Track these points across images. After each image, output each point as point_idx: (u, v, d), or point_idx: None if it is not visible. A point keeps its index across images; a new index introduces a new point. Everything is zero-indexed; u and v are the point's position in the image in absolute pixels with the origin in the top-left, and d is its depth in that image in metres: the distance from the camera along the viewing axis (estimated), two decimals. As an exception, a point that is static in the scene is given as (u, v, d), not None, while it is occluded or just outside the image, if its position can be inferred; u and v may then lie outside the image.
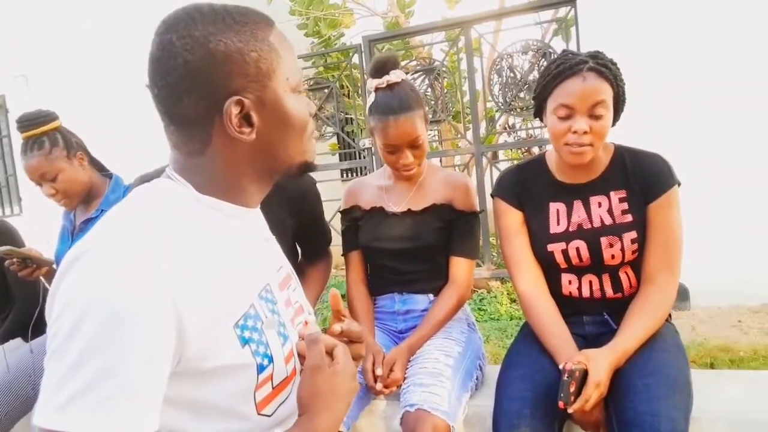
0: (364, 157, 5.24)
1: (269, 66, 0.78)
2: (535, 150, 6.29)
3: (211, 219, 0.80)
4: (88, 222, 1.98)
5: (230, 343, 0.75)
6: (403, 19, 5.31)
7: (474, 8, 5.02)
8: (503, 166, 5.89)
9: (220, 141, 0.79)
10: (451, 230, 1.65)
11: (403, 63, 5.41)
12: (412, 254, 1.64)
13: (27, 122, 1.88)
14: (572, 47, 4.22)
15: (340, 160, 5.95)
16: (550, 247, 1.44)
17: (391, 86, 1.54)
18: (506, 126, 5.77)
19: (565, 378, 1.20)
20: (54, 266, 1.95)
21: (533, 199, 1.49)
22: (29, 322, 2.01)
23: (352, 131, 5.76)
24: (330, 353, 0.84)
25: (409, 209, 1.66)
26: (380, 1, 5.70)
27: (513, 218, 1.49)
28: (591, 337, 1.47)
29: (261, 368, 0.78)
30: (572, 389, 1.20)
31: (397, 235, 1.65)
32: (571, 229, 1.43)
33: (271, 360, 0.80)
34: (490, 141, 5.08)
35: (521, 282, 1.46)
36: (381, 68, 1.55)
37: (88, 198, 2.00)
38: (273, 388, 0.81)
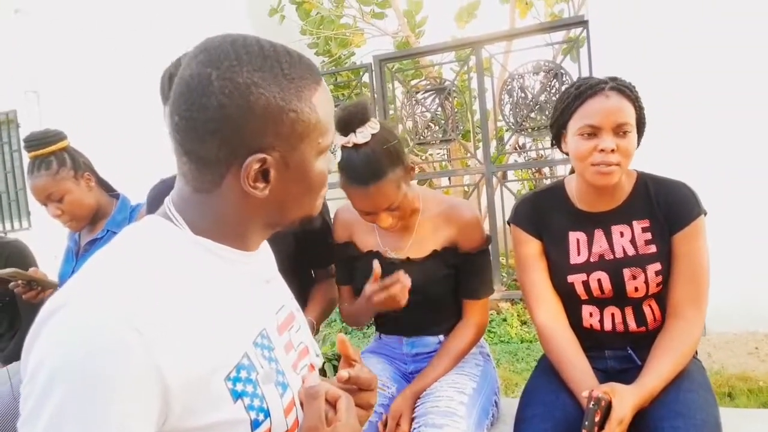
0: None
1: (305, 129, 0.72)
2: (546, 170, 6.24)
3: (204, 264, 0.74)
4: (93, 243, 1.94)
5: (221, 399, 0.69)
6: (414, 39, 5.31)
7: (484, 28, 5.00)
8: (513, 186, 5.85)
9: (230, 186, 0.73)
10: (459, 272, 1.49)
11: (413, 82, 5.40)
12: (416, 305, 1.43)
13: (35, 141, 1.85)
14: (584, 67, 4.20)
15: (349, 178, 5.93)
16: (571, 278, 1.38)
17: (357, 146, 1.30)
18: (516, 146, 5.73)
19: (591, 406, 1.14)
20: (58, 288, 1.91)
21: (552, 228, 1.42)
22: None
23: (361, 149, 5.74)
24: (333, 405, 0.77)
25: (408, 257, 1.48)
26: (391, 21, 5.70)
27: (531, 248, 1.43)
28: (613, 373, 1.40)
29: (256, 424, 0.72)
30: (597, 419, 1.14)
31: None
32: (592, 260, 1.38)
33: (267, 414, 0.73)
34: (501, 161, 5.04)
35: (540, 314, 1.40)
36: (347, 125, 1.30)
37: (94, 218, 1.97)
38: None
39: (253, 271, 0.82)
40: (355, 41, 5.39)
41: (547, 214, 1.44)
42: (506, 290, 4.45)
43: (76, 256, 1.97)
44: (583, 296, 1.38)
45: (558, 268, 1.40)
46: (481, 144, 4.56)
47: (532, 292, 1.42)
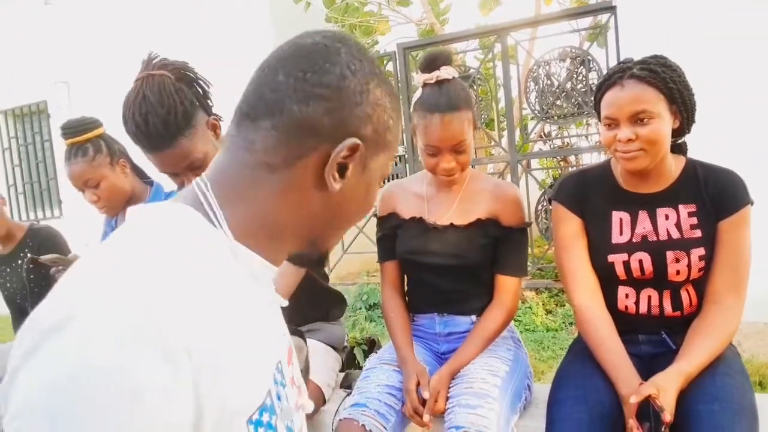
0: (397, 164, 5.21)
1: (392, 140, 0.71)
2: (572, 159, 6.18)
3: (237, 278, 0.62)
4: (130, 228, 1.98)
5: None
6: (439, 27, 5.28)
7: (508, 15, 4.95)
8: (538, 175, 5.81)
9: (304, 168, 0.65)
10: (497, 246, 1.53)
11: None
12: (454, 272, 1.53)
13: (71, 129, 1.89)
14: (611, 53, 4.13)
15: (372, 166, 5.94)
16: (611, 257, 1.37)
17: (440, 82, 1.42)
18: (542, 134, 5.68)
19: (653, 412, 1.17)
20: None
21: (595, 206, 1.42)
22: None
23: (385, 138, 5.74)
24: None
25: (451, 223, 1.54)
26: (415, 8, 5.67)
27: (572, 226, 1.43)
28: (647, 357, 1.40)
29: None
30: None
31: (439, 251, 1.53)
32: (634, 240, 1.37)
33: None
34: (525, 149, 5.01)
35: (578, 294, 1.40)
36: (432, 63, 1.43)
37: (129, 205, 2.01)
38: None
39: (269, 291, 0.72)
40: (379, 29, 5.38)
41: (590, 192, 1.43)
42: (531, 279, 4.43)
43: (113, 241, 2.01)
44: (622, 276, 1.38)
45: (598, 247, 1.40)
46: (505, 132, 4.53)
47: (571, 272, 1.41)
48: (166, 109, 1.32)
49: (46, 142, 6.16)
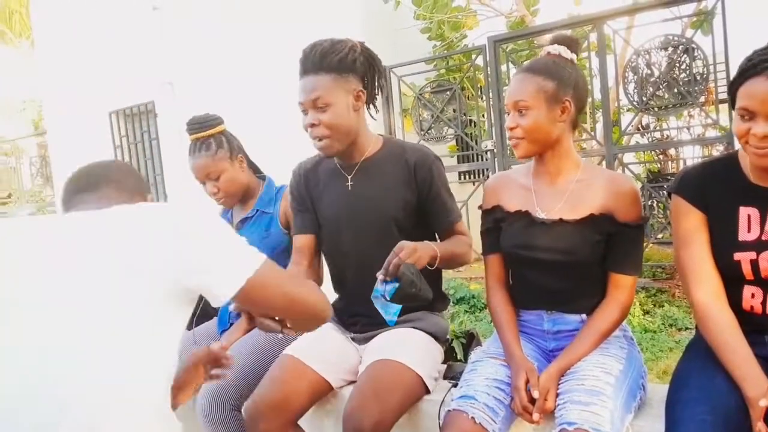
0: (486, 159, 5.17)
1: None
2: (672, 152, 5.88)
3: None
4: (245, 221, 2.11)
5: None
6: (530, 18, 5.18)
7: (601, 5, 4.78)
8: (635, 169, 5.56)
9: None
10: (611, 243, 1.48)
11: (527, 62, 5.26)
12: (563, 269, 1.49)
13: (196, 125, 2.04)
14: (718, 41, 3.90)
15: (458, 162, 5.93)
16: (738, 255, 1.31)
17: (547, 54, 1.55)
18: (639, 126, 5.45)
19: None
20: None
21: (720, 201, 1.35)
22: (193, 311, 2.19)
23: (473, 133, 5.71)
24: None
25: (561, 218, 1.50)
26: (505, 0, 5.60)
27: (693, 220, 1.37)
28: (774, 360, 1.33)
29: None
30: None
31: (547, 246, 1.50)
32: (764, 238, 1.29)
33: None
34: (620, 143, 4.83)
35: (699, 292, 1.34)
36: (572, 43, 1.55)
37: (244, 198, 2.14)
38: None
39: None
40: (468, 23, 5.36)
41: (715, 185, 1.37)
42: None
43: (229, 233, 2.15)
44: (749, 276, 1.31)
45: (723, 245, 1.34)
46: (599, 125, 4.39)
47: (691, 268, 1.36)
48: None
49: (153, 140, 6.60)
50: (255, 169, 2.19)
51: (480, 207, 1.69)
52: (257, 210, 2.10)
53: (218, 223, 1.04)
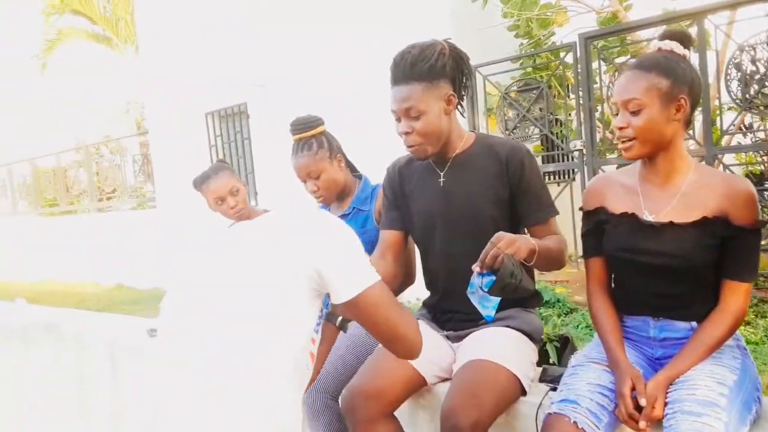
0: (573, 159, 5.04)
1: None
2: (779, 153, 5.47)
3: None
4: (342, 218, 2.19)
5: None
6: (623, 14, 5.00)
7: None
8: (736, 171, 5.23)
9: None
10: (725, 248, 1.43)
11: (618, 60, 5.10)
12: (672, 274, 1.45)
13: (300, 126, 2.15)
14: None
15: (543, 162, 5.80)
16: None
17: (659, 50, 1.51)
18: (742, 126, 5.13)
19: None
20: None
21: None
22: None
23: (560, 132, 5.58)
24: None
25: (671, 221, 1.46)
26: (596, -4, 5.42)
27: None
28: None
29: None
30: None
31: (655, 250, 1.46)
32: None
33: None
34: (720, 143, 4.56)
35: None
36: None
37: (341, 196, 2.23)
38: None
39: None
40: (557, 20, 5.24)
41: None
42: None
43: (327, 230, 2.24)
44: None
45: None
46: (697, 123, 4.17)
47: None
48: None
49: (245, 140, 6.91)
50: (352, 168, 2.27)
51: (581, 208, 1.65)
52: (354, 208, 2.18)
53: (355, 236, 1.27)
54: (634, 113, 1.42)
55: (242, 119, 6.89)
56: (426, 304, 1.96)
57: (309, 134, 2.13)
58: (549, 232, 1.73)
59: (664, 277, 1.47)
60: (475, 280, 1.46)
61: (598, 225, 1.58)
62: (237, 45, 6.62)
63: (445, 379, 1.82)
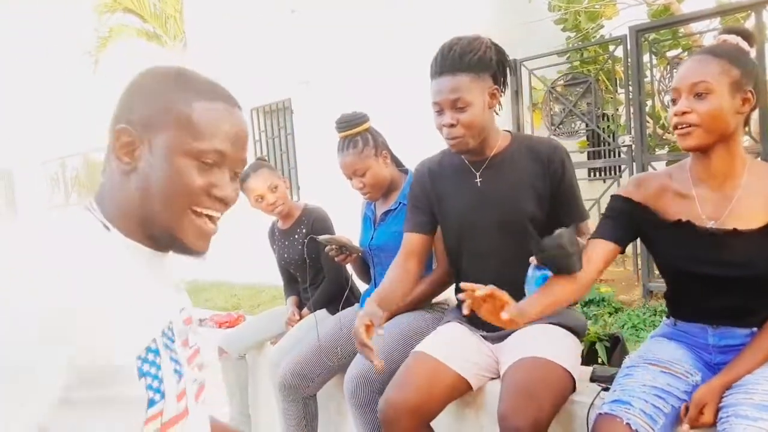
0: (620, 155, 4.92)
1: (169, 118, 0.91)
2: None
3: (115, 261, 0.85)
4: (388, 213, 2.20)
5: (129, 374, 0.79)
6: (676, 6, 4.84)
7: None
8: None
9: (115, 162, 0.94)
10: None
11: (670, 53, 4.94)
12: (738, 285, 1.36)
13: (345, 124, 2.15)
14: None
15: (589, 158, 5.68)
16: None
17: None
18: (802, 121, 4.89)
19: None
20: (361, 254, 2.24)
21: None
22: (338, 297, 2.35)
23: (607, 127, 5.45)
24: None
25: (735, 228, 1.35)
26: (647, -13, 5.27)
27: None
28: None
29: (152, 403, 0.82)
30: None
31: (718, 260, 1.37)
32: None
33: (163, 396, 0.83)
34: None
35: None
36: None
37: (387, 191, 2.23)
38: (162, 424, 0.84)
39: (164, 271, 0.95)
40: (606, 13, 5.11)
41: None
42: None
43: (374, 225, 2.25)
44: None
45: None
46: (754, 121, 4.00)
47: None
48: None
49: (289, 135, 7.01)
50: (398, 163, 2.27)
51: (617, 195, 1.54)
52: (400, 203, 2.17)
53: None
54: (701, 97, 1.31)
55: (286, 115, 6.98)
56: (459, 306, 1.94)
57: (354, 131, 2.13)
58: (581, 234, 1.69)
59: (728, 288, 1.38)
60: (530, 272, 1.47)
61: (632, 219, 1.48)
62: (282, 42, 6.71)
63: (490, 379, 1.80)
